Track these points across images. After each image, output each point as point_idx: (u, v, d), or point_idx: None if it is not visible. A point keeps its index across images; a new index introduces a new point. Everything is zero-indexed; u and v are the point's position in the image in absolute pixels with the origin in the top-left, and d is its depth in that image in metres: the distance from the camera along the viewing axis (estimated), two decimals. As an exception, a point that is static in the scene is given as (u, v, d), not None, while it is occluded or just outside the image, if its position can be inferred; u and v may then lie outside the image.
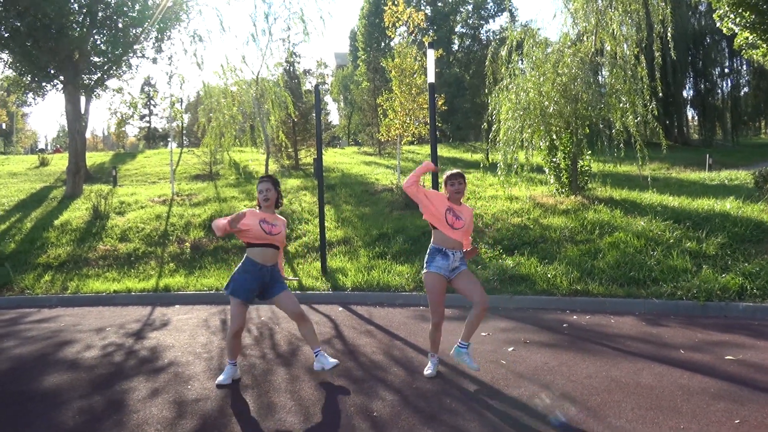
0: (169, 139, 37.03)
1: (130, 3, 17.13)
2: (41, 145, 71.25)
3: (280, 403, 4.13)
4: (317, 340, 4.67)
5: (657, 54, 11.93)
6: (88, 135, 36.10)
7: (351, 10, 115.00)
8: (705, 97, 32.48)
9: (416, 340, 5.72)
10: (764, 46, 12.70)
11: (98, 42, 18.12)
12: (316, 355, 4.59)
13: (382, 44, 38.64)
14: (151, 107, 54.37)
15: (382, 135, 17.90)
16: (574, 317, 6.60)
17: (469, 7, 43.60)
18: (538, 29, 12.19)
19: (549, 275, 7.79)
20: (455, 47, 43.48)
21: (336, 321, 6.80)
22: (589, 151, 12.30)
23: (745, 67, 32.27)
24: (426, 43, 9.13)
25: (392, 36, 18.01)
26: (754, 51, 13.39)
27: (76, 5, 16.61)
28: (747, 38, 12.78)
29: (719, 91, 33.39)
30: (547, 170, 12.51)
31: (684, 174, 17.89)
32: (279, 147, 20.27)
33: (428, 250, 4.49)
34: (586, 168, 12.12)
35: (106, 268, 10.18)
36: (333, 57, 62.48)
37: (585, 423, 3.57)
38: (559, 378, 4.45)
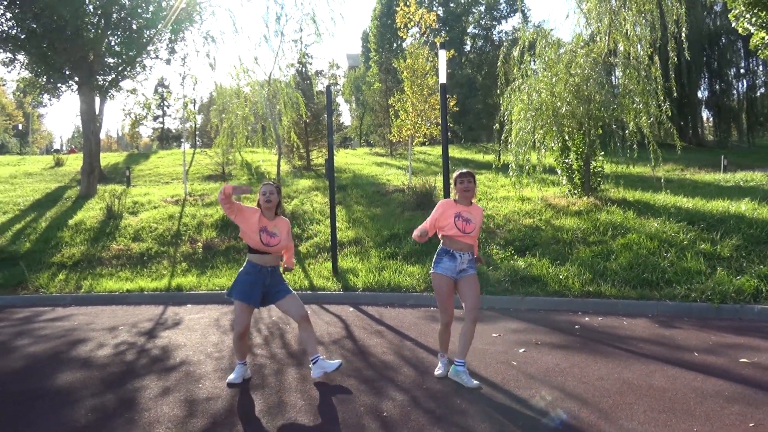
0: (182, 140, 37.32)
1: (144, 4, 17.27)
2: (56, 146, 72.16)
3: (290, 402, 4.13)
4: (316, 347, 4.62)
5: (671, 54, 11.81)
6: (102, 135, 36.49)
7: (363, 11, 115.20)
8: (720, 97, 32.09)
9: (427, 341, 5.71)
10: (780, 46, 12.54)
11: (112, 43, 18.28)
12: (315, 362, 4.50)
13: (394, 45, 38.66)
14: (165, 108, 54.72)
15: (394, 136, 17.91)
16: (586, 319, 6.56)
17: (482, 8, 43.46)
18: (551, 30, 12.08)
19: (561, 276, 7.74)
20: (467, 48, 43.35)
21: (347, 321, 6.80)
22: (602, 152, 12.22)
23: (761, 67, 31.83)
24: (438, 44, 9.12)
25: (404, 37, 18.04)
26: (770, 51, 13.21)
27: (91, 7, 16.77)
28: (763, 38, 12.61)
29: (735, 91, 32.99)
30: (559, 171, 12.44)
31: (698, 175, 17.69)
32: (291, 148, 20.33)
33: (437, 251, 4.50)
34: (599, 169, 12.04)
35: (119, 268, 10.27)
36: (345, 58, 62.67)
37: (597, 425, 3.55)
38: (571, 380, 4.42)
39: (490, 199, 12.58)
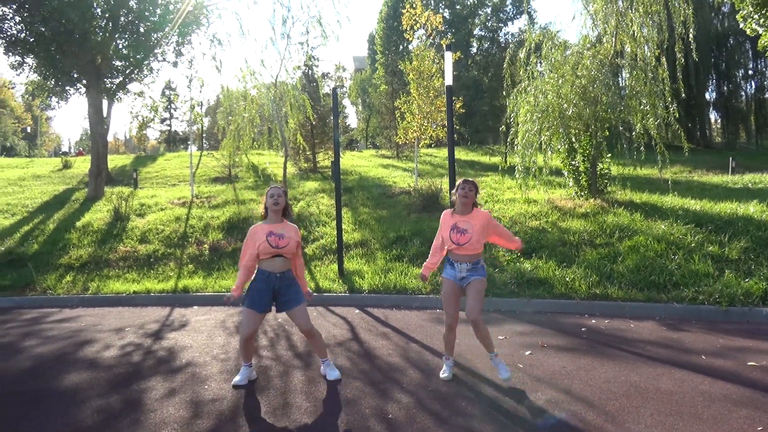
0: (189, 142, 37.45)
1: (151, 8, 17.38)
2: (64, 148, 72.54)
3: (295, 403, 4.13)
4: (325, 351, 4.78)
5: (679, 56, 11.76)
6: (110, 138, 36.73)
7: (370, 13, 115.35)
8: (728, 99, 31.96)
9: (432, 343, 5.70)
10: (789, 47, 12.45)
11: (120, 46, 18.41)
12: (324, 364, 4.76)
13: (400, 47, 38.67)
14: (172, 111, 55.03)
15: (400, 138, 17.88)
16: (593, 321, 6.53)
17: (488, 10, 43.40)
18: (557, 31, 12.07)
19: (567, 279, 7.71)
20: (473, 50, 43.29)
21: (352, 323, 6.80)
22: (609, 154, 12.17)
23: (770, 69, 31.72)
24: (444, 46, 9.12)
25: (410, 39, 18.01)
26: (779, 52, 13.13)
27: (98, 10, 16.89)
28: (772, 39, 12.54)
29: (743, 93, 32.85)
30: (565, 173, 12.40)
31: (706, 177, 17.59)
32: (297, 150, 20.36)
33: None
34: (606, 171, 11.98)
35: (126, 269, 10.31)
36: (351, 61, 62.75)
37: (603, 428, 3.53)
38: (577, 382, 4.40)
39: (496, 201, 12.55)
